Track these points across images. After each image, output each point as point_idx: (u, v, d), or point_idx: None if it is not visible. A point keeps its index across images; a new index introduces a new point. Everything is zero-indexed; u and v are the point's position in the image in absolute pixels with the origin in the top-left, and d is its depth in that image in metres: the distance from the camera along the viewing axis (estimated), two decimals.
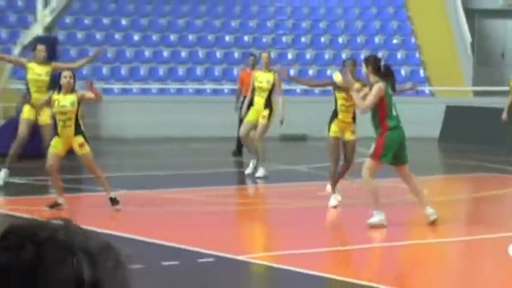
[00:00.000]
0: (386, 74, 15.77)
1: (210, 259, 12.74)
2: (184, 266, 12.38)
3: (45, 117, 19.24)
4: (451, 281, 13.09)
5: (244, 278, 12.72)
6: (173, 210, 17.52)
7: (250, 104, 21.82)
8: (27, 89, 19.77)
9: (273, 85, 21.59)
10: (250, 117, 21.55)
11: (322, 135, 19.74)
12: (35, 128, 19.80)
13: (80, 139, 16.32)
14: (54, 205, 16.54)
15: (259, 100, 21.55)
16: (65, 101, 16.20)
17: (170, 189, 19.79)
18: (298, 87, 33.37)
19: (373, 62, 15.83)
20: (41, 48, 20.12)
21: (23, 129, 19.49)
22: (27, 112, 19.62)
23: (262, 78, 21.40)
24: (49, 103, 16.76)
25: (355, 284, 11.71)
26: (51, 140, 18.22)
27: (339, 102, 18.10)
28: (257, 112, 21.37)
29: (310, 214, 17.34)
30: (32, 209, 16.87)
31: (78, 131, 16.36)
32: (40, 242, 1.97)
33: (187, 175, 22.59)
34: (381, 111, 15.45)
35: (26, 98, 19.71)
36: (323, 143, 19.22)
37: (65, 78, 16.32)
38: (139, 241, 13.96)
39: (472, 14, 38.75)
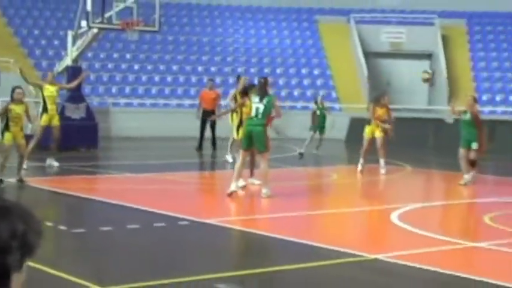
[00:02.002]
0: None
1: (186, 222, 12.58)
2: (169, 227, 12.18)
3: (56, 121, 20.38)
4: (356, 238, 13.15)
5: (211, 236, 12.17)
6: (160, 188, 17.23)
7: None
8: (44, 102, 20.42)
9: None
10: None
11: None
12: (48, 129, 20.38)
13: (22, 134, 16.91)
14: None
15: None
16: (18, 109, 16.64)
17: (159, 173, 19.62)
18: None
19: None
20: (51, 74, 21.58)
21: (41, 132, 20.11)
22: (44, 120, 20.26)
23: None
24: (5, 111, 16.93)
25: (296, 243, 11.44)
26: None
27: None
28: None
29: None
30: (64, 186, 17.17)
31: (21, 128, 16.95)
32: None
33: (170, 163, 22.45)
34: None
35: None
36: None
37: (19, 94, 16.78)
38: (135, 209, 13.81)
39: (368, 55, 39.11)
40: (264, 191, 15.39)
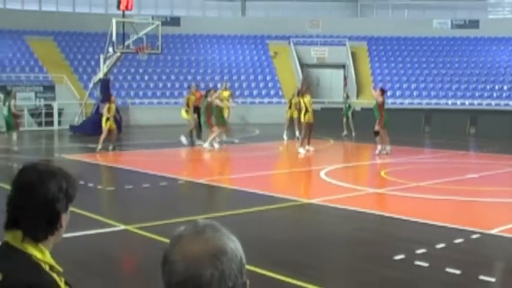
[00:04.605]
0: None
1: (183, 182, 12.43)
2: (170, 185, 11.96)
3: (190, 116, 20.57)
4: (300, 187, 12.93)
5: (200, 191, 12.02)
6: (163, 159, 16.56)
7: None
8: (188, 105, 20.62)
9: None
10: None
11: None
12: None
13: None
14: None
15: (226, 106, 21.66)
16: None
17: (162, 149, 19.08)
18: None
19: None
20: (195, 85, 22.09)
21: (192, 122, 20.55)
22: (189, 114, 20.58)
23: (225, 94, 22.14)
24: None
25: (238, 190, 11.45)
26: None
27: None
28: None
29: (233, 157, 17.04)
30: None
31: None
32: (40, 169, 1.99)
33: (170, 142, 21.92)
34: None
35: None
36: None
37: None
38: (147, 173, 13.25)
39: (302, 66, 39.03)
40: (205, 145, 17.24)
